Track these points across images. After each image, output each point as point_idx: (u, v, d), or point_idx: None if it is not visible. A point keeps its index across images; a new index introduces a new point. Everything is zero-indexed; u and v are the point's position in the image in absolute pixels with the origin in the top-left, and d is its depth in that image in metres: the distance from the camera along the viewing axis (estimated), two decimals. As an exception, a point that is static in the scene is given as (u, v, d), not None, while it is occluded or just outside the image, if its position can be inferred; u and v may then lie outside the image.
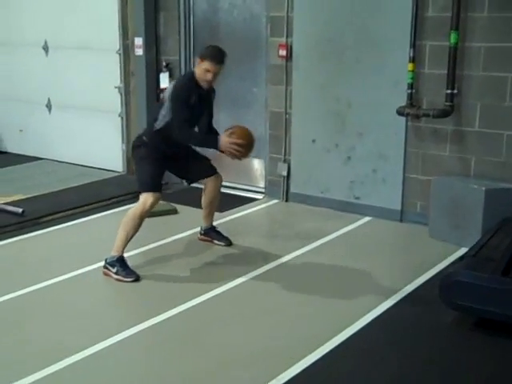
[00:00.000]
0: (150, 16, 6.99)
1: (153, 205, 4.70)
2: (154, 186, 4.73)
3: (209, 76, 4.65)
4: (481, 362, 3.58)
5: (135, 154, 4.90)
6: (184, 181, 5.46)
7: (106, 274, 4.67)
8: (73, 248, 5.31)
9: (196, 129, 4.89)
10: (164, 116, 4.69)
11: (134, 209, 4.72)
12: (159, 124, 4.72)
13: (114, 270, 4.62)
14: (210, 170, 5.11)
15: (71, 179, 7.25)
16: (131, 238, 4.68)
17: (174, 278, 4.68)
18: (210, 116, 5.01)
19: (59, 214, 6.04)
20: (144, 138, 4.85)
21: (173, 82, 4.93)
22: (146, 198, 4.67)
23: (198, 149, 5.13)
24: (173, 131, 4.64)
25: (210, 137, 4.84)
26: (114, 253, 4.66)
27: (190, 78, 4.77)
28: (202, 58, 4.66)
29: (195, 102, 4.69)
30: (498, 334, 3.80)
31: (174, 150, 4.82)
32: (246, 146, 4.72)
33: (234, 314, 4.16)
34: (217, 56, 4.67)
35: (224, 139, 4.68)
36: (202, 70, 4.66)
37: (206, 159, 5.18)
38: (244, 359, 3.60)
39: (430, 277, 4.63)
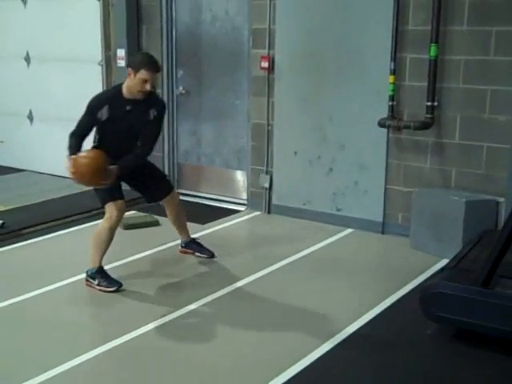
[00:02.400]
0: (132, 28, 7.00)
1: (119, 216, 4.58)
2: (112, 194, 4.59)
3: (147, 86, 4.41)
4: (461, 373, 3.58)
5: None
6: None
7: (88, 286, 4.64)
8: (54, 260, 5.27)
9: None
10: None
11: (100, 225, 4.63)
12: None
13: (96, 282, 4.59)
14: (164, 191, 4.99)
15: (53, 191, 7.20)
16: (105, 250, 4.62)
17: (154, 291, 4.65)
18: (143, 135, 4.60)
19: (40, 226, 6.01)
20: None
21: None
22: (110, 211, 4.57)
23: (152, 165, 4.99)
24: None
25: (71, 149, 4.48)
26: (92, 265, 4.63)
27: (114, 91, 4.58)
28: (136, 69, 4.38)
29: (112, 116, 4.47)
30: (478, 345, 3.81)
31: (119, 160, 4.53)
32: (75, 174, 4.37)
33: (217, 326, 4.13)
34: (154, 64, 4.46)
35: (71, 161, 4.38)
36: (138, 80, 4.39)
37: (162, 177, 5.10)
38: (228, 372, 3.57)
39: (411, 288, 4.64)
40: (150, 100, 4.59)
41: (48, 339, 3.94)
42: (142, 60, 4.47)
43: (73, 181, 4.52)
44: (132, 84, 4.45)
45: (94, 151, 4.47)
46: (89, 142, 4.70)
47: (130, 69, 4.45)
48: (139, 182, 4.91)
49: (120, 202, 4.62)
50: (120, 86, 4.59)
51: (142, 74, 4.39)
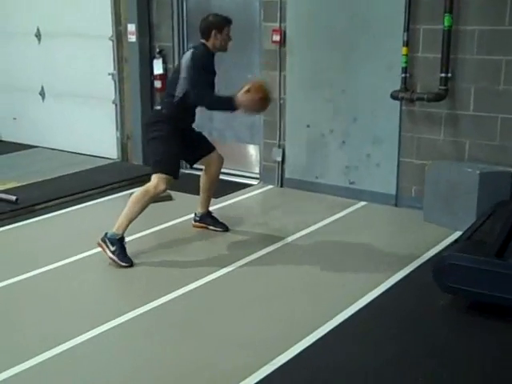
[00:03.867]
0: (142, 2, 6.96)
1: (163, 191, 4.69)
2: (172, 169, 4.70)
3: (230, 40, 4.86)
4: (474, 345, 3.59)
5: (151, 130, 4.80)
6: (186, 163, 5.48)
7: (100, 246, 4.63)
8: (67, 235, 5.31)
9: None
10: (182, 87, 4.70)
11: (143, 190, 4.66)
12: (178, 96, 4.72)
13: (113, 249, 4.57)
14: (211, 146, 5.15)
15: (66, 167, 7.22)
16: (134, 219, 4.65)
17: (169, 264, 4.68)
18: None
19: (53, 202, 6.03)
20: (164, 111, 4.78)
21: (188, 54, 4.82)
22: (158, 181, 4.63)
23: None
24: (196, 98, 4.66)
25: (228, 97, 4.68)
26: (116, 230, 4.61)
27: (205, 49, 4.82)
28: (220, 27, 4.78)
29: (213, 69, 4.83)
30: (492, 317, 3.82)
31: (190, 122, 4.95)
32: (262, 100, 4.67)
33: (230, 299, 4.17)
34: (229, 19, 4.88)
35: (241, 98, 4.58)
36: (224, 37, 4.80)
37: (205, 137, 5.22)
38: (239, 344, 3.61)
39: (425, 260, 4.65)
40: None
41: (62, 312, 3.98)
42: (220, 20, 4.85)
43: (250, 113, 4.95)
44: (220, 41, 4.81)
45: (249, 83, 4.69)
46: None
47: (214, 31, 4.77)
48: (189, 142, 4.93)
49: (172, 179, 4.70)
50: (201, 46, 4.80)
51: (227, 29, 4.84)
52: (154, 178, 4.65)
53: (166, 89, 5.13)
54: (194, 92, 4.64)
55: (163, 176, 4.64)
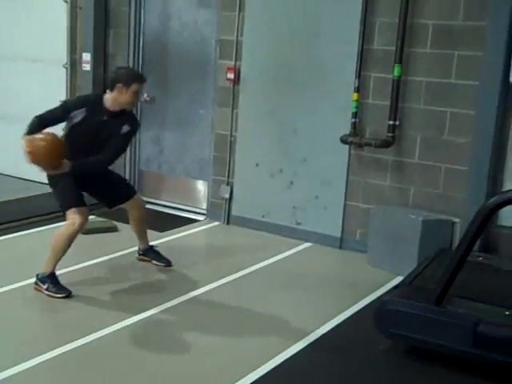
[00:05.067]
0: (99, 32, 6.95)
1: (82, 224, 4.51)
2: (75, 200, 4.56)
3: (137, 97, 4.69)
4: (411, 390, 3.63)
5: (49, 178, 4.67)
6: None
7: (37, 290, 4.57)
8: (6, 262, 5.16)
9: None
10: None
11: (62, 230, 4.55)
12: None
13: (45, 287, 4.51)
14: (126, 194, 4.99)
15: (10, 192, 7.07)
16: (61, 257, 4.56)
17: (109, 297, 4.59)
18: (108, 145, 4.56)
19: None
20: None
21: None
22: (73, 217, 4.49)
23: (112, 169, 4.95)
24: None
25: (30, 128, 4.45)
26: (44, 270, 4.55)
27: (96, 98, 4.67)
28: (128, 83, 4.52)
29: (86, 120, 4.52)
30: (430, 362, 3.86)
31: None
32: (30, 154, 4.30)
33: (166, 336, 4.11)
34: (142, 76, 4.75)
35: (27, 140, 4.33)
36: (130, 93, 4.54)
37: (123, 180, 5.12)
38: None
39: (366, 304, 4.68)
40: (127, 116, 4.69)
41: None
42: (131, 74, 4.70)
43: (27, 160, 4.35)
44: (124, 98, 4.56)
45: (52, 134, 4.37)
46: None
47: (119, 85, 4.53)
48: (99, 187, 4.85)
49: (84, 208, 4.57)
50: (101, 95, 4.68)
51: (134, 87, 4.56)
52: (67, 216, 4.54)
53: None
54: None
55: (72, 210, 4.52)
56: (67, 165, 4.34)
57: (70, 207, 4.54)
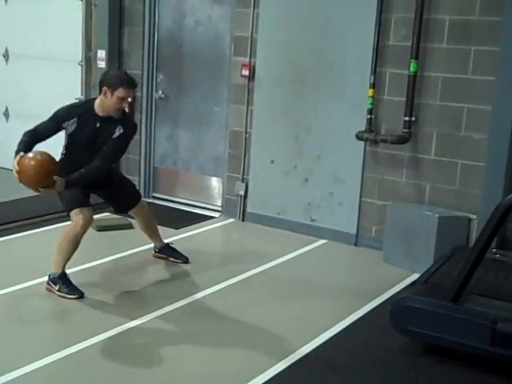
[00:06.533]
0: (114, 29, 6.96)
1: (85, 225, 4.42)
2: (78, 200, 4.45)
3: (124, 104, 4.38)
4: (428, 388, 3.61)
5: None
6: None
7: (48, 290, 4.52)
8: (16, 261, 5.13)
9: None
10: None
11: (65, 231, 4.49)
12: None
13: (57, 288, 4.46)
14: (131, 202, 4.93)
15: (27, 189, 7.07)
16: (69, 257, 4.49)
17: (113, 300, 4.54)
18: (104, 148, 4.45)
19: (6, 226, 5.87)
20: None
21: None
22: (76, 219, 4.42)
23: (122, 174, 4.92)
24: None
25: (21, 144, 4.32)
26: (54, 270, 4.50)
27: (87, 106, 4.48)
28: (113, 87, 4.29)
29: (79, 130, 4.42)
30: (447, 360, 3.84)
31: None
32: (19, 174, 4.17)
33: (181, 334, 4.11)
34: (131, 81, 4.40)
35: (17, 158, 4.18)
36: (115, 99, 4.31)
37: (130, 187, 5.02)
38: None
39: (382, 302, 4.66)
40: (122, 120, 4.49)
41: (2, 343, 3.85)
42: (118, 78, 4.40)
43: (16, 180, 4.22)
44: (109, 103, 4.36)
45: (43, 154, 4.19)
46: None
47: (105, 88, 4.34)
48: (107, 193, 4.83)
49: (86, 209, 4.47)
50: (92, 101, 4.53)
51: (120, 92, 4.31)
52: (71, 217, 4.48)
53: None
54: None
55: (75, 211, 4.44)
56: (60, 184, 4.19)
57: (72, 208, 4.47)
